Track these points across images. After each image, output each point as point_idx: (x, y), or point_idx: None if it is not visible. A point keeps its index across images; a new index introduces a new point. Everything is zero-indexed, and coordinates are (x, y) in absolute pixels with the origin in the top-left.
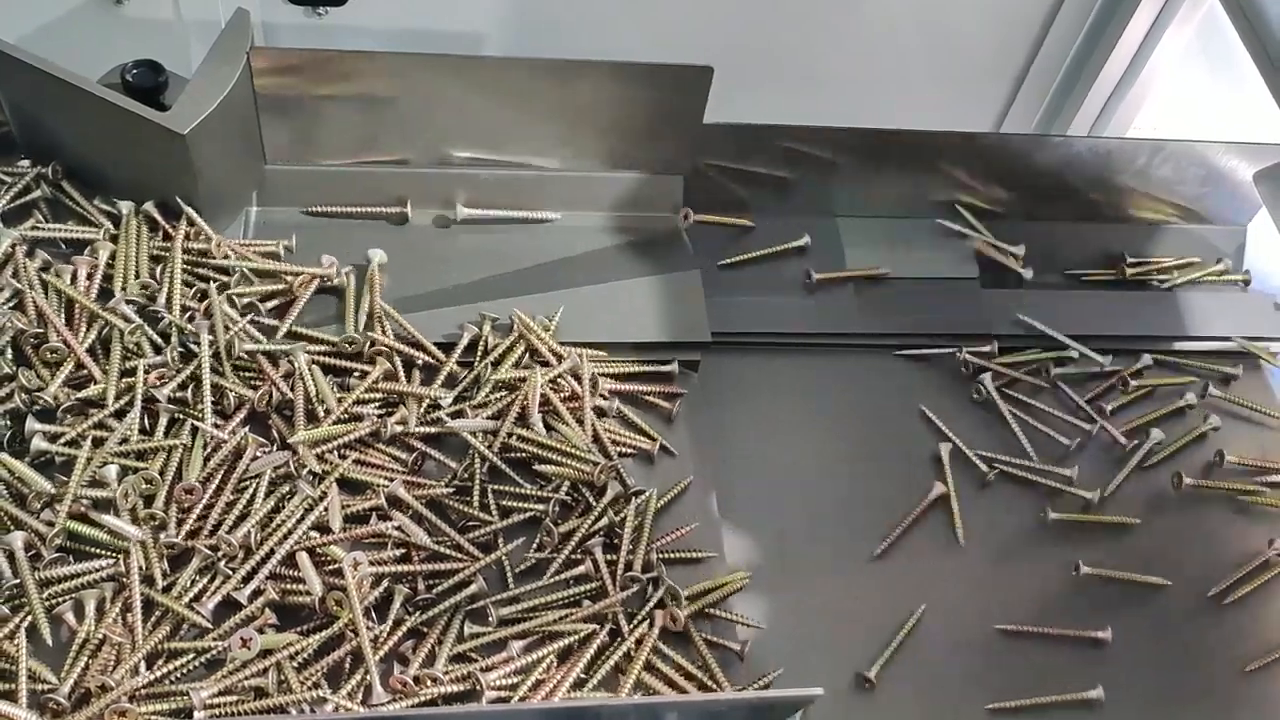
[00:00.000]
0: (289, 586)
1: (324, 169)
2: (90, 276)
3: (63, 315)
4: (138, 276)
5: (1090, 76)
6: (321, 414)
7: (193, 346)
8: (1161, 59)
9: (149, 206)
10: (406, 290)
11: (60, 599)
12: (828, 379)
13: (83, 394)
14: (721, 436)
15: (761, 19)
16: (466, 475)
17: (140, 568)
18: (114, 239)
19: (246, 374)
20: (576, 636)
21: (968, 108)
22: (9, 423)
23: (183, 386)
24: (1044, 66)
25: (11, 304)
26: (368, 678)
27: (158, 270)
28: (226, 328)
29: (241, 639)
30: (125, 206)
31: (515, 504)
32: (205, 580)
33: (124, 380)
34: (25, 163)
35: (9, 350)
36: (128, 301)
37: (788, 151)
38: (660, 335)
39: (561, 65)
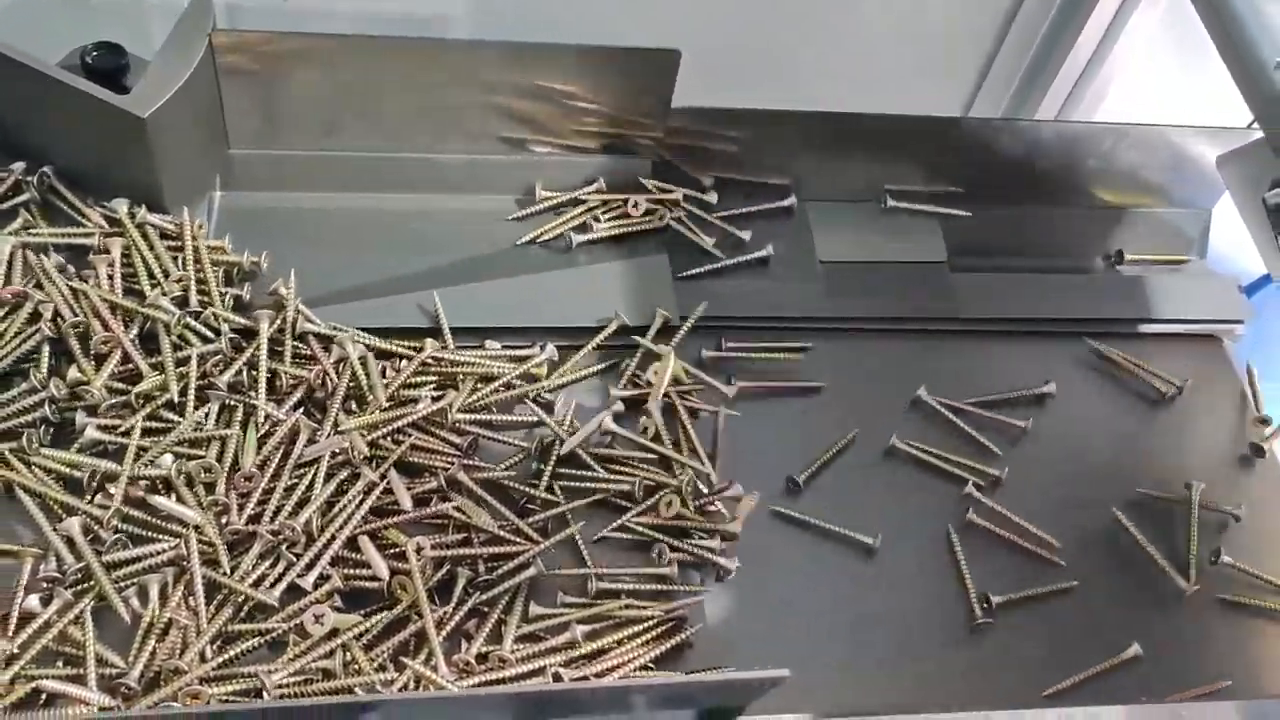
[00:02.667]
0: (351, 571)
1: (289, 154)
2: (110, 277)
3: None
4: (167, 275)
5: (1057, 61)
6: (370, 400)
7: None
8: (1128, 43)
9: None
10: (373, 275)
11: (124, 584)
12: (796, 363)
13: (140, 388)
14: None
15: (729, 4)
16: (538, 457)
17: (204, 550)
18: (109, 237)
19: (299, 360)
20: (649, 624)
21: (936, 93)
22: (47, 421)
23: (236, 373)
24: (1011, 51)
25: (36, 304)
26: (433, 659)
27: (179, 263)
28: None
29: (314, 615)
30: (122, 205)
31: (592, 485)
32: (267, 565)
33: (178, 370)
34: (18, 165)
35: (44, 357)
36: (163, 294)
37: (755, 135)
38: (628, 320)
39: (528, 49)
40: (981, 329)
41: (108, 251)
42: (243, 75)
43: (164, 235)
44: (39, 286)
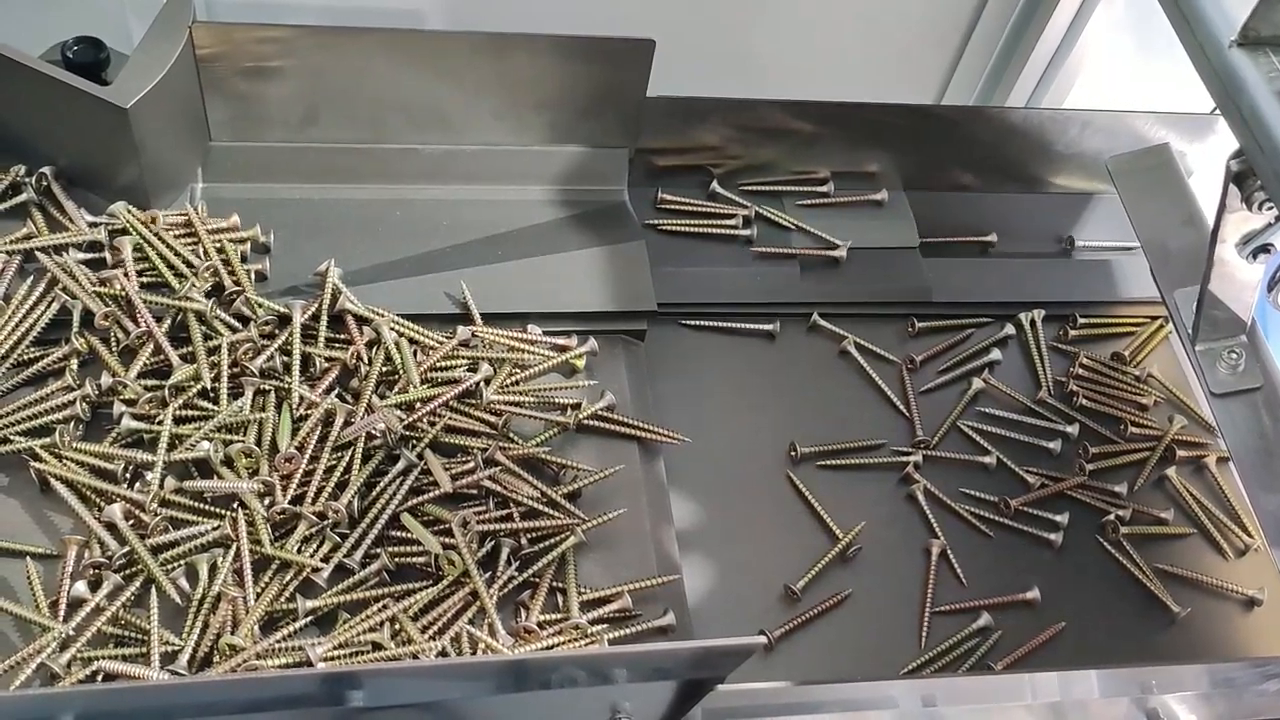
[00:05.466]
0: (396, 549)
1: (268, 146)
2: (126, 275)
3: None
4: (190, 266)
5: (1026, 49)
6: (403, 381)
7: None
8: (1095, 30)
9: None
10: (355, 263)
11: (171, 566)
12: (772, 347)
13: (174, 379)
14: (667, 404)
15: None
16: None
17: (249, 531)
18: (114, 233)
19: (331, 344)
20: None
21: (909, 81)
22: (78, 418)
23: (269, 359)
24: (982, 39)
25: (51, 300)
26: (487, 621)
27: (200, 253)
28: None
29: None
30: (121, 209)
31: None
32: (314, 547)
33: (210, 359)
34: (19, 167)
35: (74, 361)
36: (194, 287)
37: (730, 124)
38: (606, 305)
39: (503, 39)
40: (950, 313)
41: (119, 250)
42: (223, 67)
43: (169, 226)
44: (53, 286)
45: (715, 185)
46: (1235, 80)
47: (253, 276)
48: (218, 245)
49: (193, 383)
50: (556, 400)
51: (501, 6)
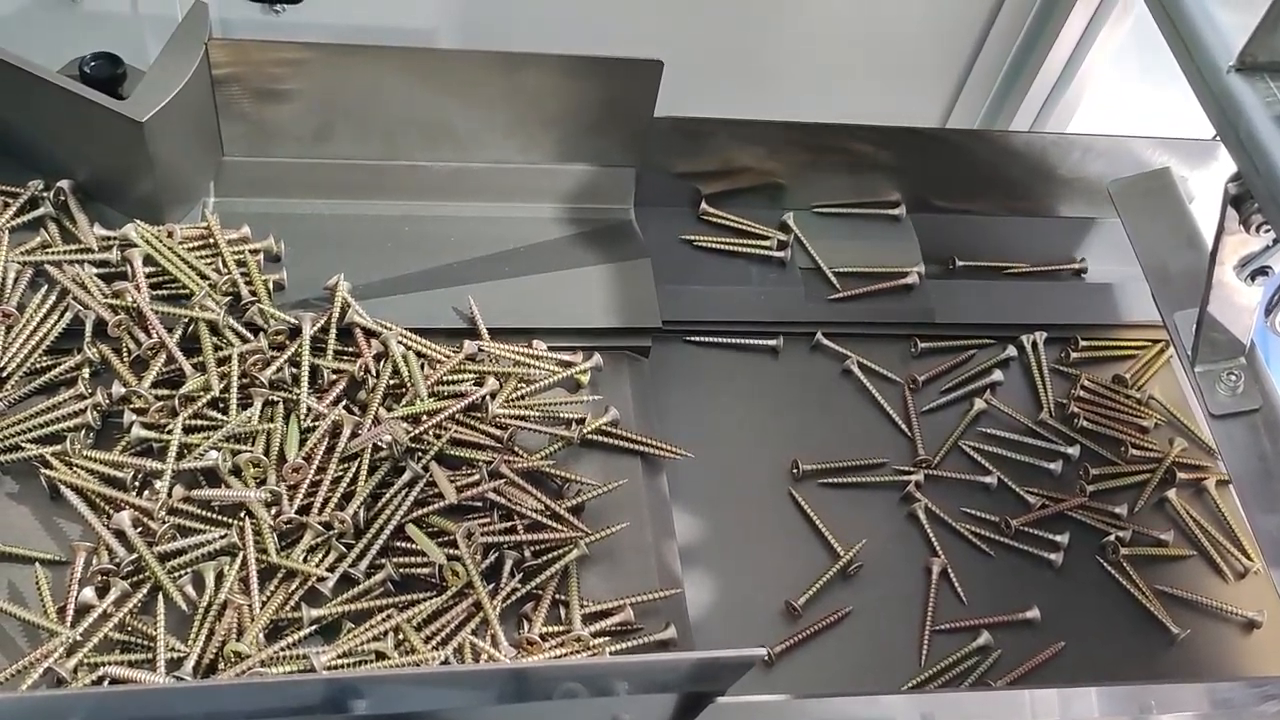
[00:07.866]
0: (401, 559)
1: (280, 161)
2: (138, 287)
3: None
4: (205, 278)
5: (1030, 74)
6: (410, 394)
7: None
8: (1098, 56)
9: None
10: (365, 278)
11: (178, 573)
12: (775, 365)
13: (184, 389)
14: (671, 420)
15: (710, 15)
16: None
17: (256, 539)
18: (124, 247)
19: (340, 356)
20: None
21: (914, 104)
22: (89, 426)
23: (277, 370)
24: (987, 64)
25: (65, 310)
26: (491, 632)
27: (220, 266)
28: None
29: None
30: (132, 230)
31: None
32: (319, 557)
33: (220, 369)
34: (37, 182)
35: (86, 370)
36: (208, 298)
37: (736, 146)
38: (611, 321)
39: (512, 58)
40: (953, 334)
41: (130, 264)
42: (237, 84)
43: (185, 239)
44: (65, 295)
45: (789, 219)
46: (1233, 105)
47: (270, 287)
48: (238, 258)
49: (202, 392)
50: (561, 415)
51: (512, 25)
